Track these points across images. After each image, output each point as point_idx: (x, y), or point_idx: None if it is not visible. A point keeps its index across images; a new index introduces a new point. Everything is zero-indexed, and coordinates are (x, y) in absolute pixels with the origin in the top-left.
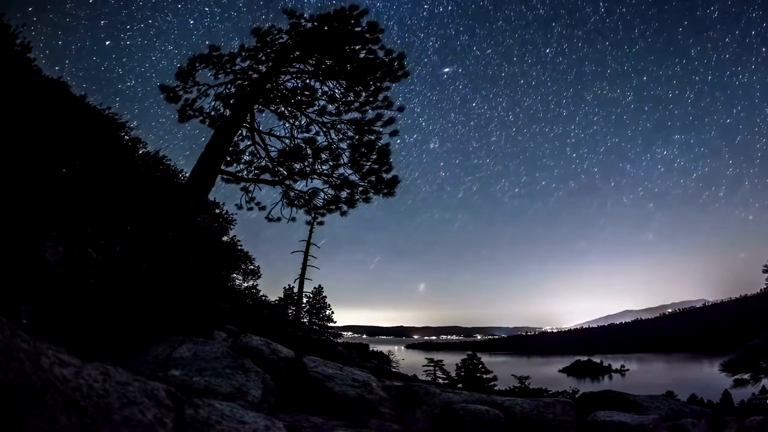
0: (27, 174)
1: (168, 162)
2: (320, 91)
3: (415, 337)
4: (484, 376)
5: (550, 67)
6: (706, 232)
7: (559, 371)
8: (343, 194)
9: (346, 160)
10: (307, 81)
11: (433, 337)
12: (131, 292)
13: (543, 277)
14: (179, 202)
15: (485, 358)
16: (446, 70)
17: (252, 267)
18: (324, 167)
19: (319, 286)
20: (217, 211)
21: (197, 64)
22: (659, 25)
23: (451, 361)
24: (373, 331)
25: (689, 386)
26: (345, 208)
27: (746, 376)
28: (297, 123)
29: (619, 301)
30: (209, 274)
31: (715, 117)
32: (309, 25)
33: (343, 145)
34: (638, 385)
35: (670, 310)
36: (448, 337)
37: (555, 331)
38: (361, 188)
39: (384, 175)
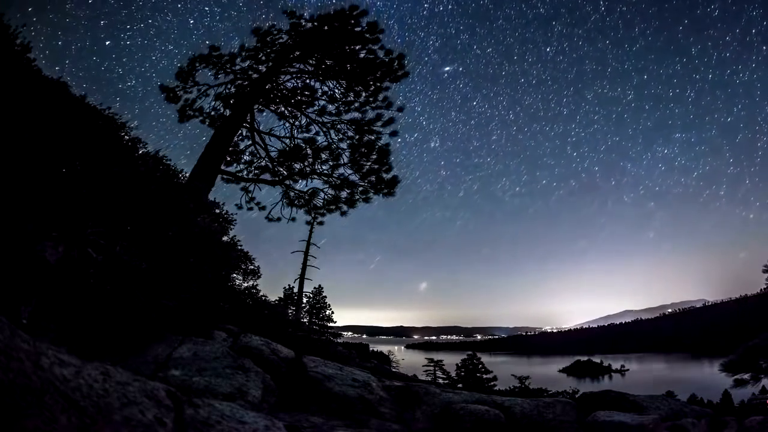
0: (27, 174)
1: (168, 162)
2: (320, 91)
3: (415, 337)
4: (484, 376)
5: (551, 65)
6: (706, 232)
7: (559, 371)
8: (343, 194)
9: (346, 160)
10: (307, 81)
11: (433, 337)
12: (131, 292)
13: (543, 277)
14: (179, 202)
15: (485, 358)
16: (447, 68)
17: (252, 267)
18: (324, 167)
19: (319, 286)
20: (217, 211)
21: (197, 64)
22: (659, 23)
23: (451, 361)
24: (373, 331)
25: (689, 386)
26: (345, 208)
27: (746, 376)
28: (297, 123)
29: (619, 301)
30: (209, 274)
31: (716, 115)
32: (309, 25)
33: (343, 145)
34: (638, 385)
35: (670, 310)
36: (448, 337)
37: (555, 331)
38: (361, 188)
39: (384, 175)
